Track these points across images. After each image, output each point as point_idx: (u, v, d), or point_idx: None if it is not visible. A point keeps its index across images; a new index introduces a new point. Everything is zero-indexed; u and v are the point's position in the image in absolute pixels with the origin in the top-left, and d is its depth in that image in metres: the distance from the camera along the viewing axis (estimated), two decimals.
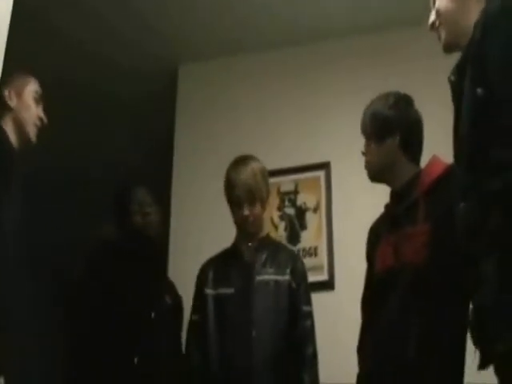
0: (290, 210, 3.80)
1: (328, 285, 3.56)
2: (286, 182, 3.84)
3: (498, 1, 1.70)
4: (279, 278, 2.83)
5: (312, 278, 3.29)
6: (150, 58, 4.33)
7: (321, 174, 3.80)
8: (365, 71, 3.89)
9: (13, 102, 2.56)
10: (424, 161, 2.43)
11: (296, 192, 3.83)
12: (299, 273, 2.88)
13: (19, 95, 2.57)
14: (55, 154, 4.84)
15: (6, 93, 2.56)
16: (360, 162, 2.49)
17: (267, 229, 3.42)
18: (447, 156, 1.94)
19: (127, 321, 3.05)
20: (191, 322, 2.90)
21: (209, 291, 2.86)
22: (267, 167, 3.05)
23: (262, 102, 4.11)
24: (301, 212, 3.78)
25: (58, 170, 5.05)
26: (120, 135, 4.89)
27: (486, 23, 1.69)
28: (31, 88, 2.62)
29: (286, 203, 3.82)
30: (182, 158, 4.17)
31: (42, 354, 4.39)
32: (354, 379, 2.38)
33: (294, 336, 2.77)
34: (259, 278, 2.81)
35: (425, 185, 2.31)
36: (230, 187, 2.89)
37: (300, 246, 3.69)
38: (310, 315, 2.83)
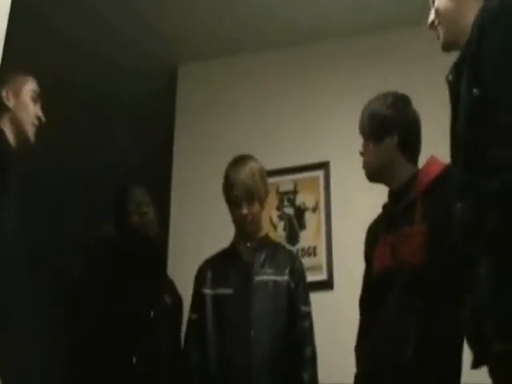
0: (289, 210, 3.81)
1: (327, 284, 3.56)
2: (285, 182, 3.84)
3: (496, 0, 1.71)
4: (278, 278, 2.83)
5: (311, 277, 3.30)
6: (149, 57, 4.33)
7: (320, 173, 3.80)
8: (364, 71, 3.90)
9: (10, 103, 2.56)
10: (422, 161, 2.43)
11: (295, 192, 3.83)
12: (298, 273, 2.88)
13: (17, 95, 2.57)
14: (55, 153, 4.85)
15: (4, 93, 2.57)
16: (359, 161, 2.49)
17: (266, 229, 3.42)
18: (445, 156, 1.94)
19: (126, 320, 3.05)
20: (190, 322, 2.90)
21: (207, 291, 2.86)
22: (266, 167, 3.06)
23: (261, 101, 4.11)
24: (300, 212, 3.78)
25: (58, 169, 5.06)
26: (120, 135, 4.89)
27: (483, 23, 1.69)
28: (29, 87, 2.62)
29: (285, 203, 3.82)
30: (182, 157, 4.18)
31: (42, 354, 4.39)
32: (352, 379, 2.38)
33: (292, 336, 2.78)
34: (258, 278, 2.82)
35: (422, 185, 2.31)
36: (228, 186, 2.89)
37: (299, 245, 3.69)
38: (308, 315, 2.83)
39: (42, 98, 2.67)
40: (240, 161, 2.94)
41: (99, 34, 4.13)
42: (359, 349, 2.40)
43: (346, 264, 3.51)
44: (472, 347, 1.61)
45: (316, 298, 3.06)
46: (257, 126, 4.06)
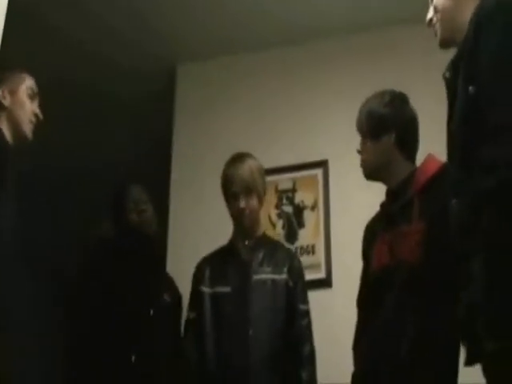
0: (288, 208, 3.81)
1: (325, 283, 3.56)
2: (284, 180, 3.84)
3: None
4: (276, 276, 2.83)
5: (309, 275, 3.30)
6: (148, 57, 4.33)
7: (318, 172, 3.80)
8: (362, 69, 3.89)
9: (7, 101, 2.56)
10: (420, 159, 2.43)
11: (294, 190, 3.83)
12: (296, 271, 2.88)
13: (13, 93, 2.57)
14: (54, 152, 4.85)
15: (0, 92, 2.57)
16: (358, 160, 2.49)
17: (265, 227, 3.42)
18: (443, 154, 1.94)
19: (125, 319, 3.05)
20: (188, 321, 2.90)
21: (205, 289, 2.86)
22: (265, 165, 3.07)
23: (260, 100, 4.11)
24: (298, 210, 3.78)
25: (57, 168, 5.05)
26: (119, 134, 4.89)
27: (480, 20, 1.70)
28: (26, 85, 2.62)
29: (284, 201, 3.82)
30: (181, 156, 4.18)
31: (42, 354, 4.40)
32: (350, 378, 2.38)
33: (291, 335, 2.78)
34: (256, 276, 2.81)
35: (420, 183, 2.31)
36: (226, 182, 2.90)
37: (298, 243, 3.69)
38: (306, 314, 2.83)
39: (39, 95, 2.67)
40: (238, 158, 2.95)
41: (98, 34, 4.13)
42: (357, 347, 2.40)
43: (345, 262, 3.51)
44: (465, 345, 1.61)
45: (314, 296, 3.07)
46: (255, 124, 4.06)
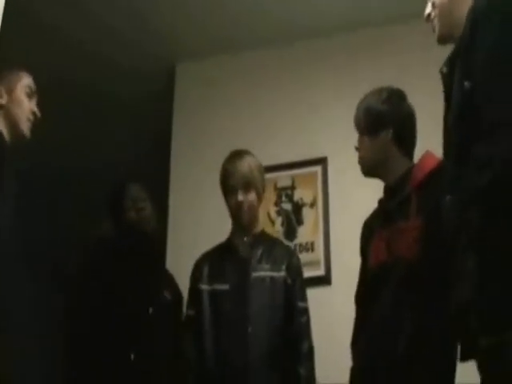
0: (287, 206, 3.80)
1: (325, 280, 3.56)
2: (283, 178, 3.84)
3: None
4: (275, 274, 2.83)
5: (309, 273, 3.30)
6: (147, 56, 4.34)
7: (318, 169, 3.80)
8: (360, 65, 3.90)
9: (4, 99, 2.55)
10: (417, 155, 2.43)
11: (293, 187, 3.83)
12: (295, 269, 2.88)
13: (11, 91, 2.57)
14: (54, 152, 4.86)
15: None
16: (357, 157, 2.49)
17: (264, 224, 3.43)
18: (440, 150, 1.94)
19: (124, 318, 3.05)
20: (186, 318, 2.90)
21: (204, 287, 2.86)
22: (264, 163, 3.07)
23: (258, 98, 4.11)
24: (298, 207, 3.78)
25: (57, 168, 5.06)
26: (118, 133, 4.89)
27: (476, 16, 1.69)
28: (23, 83, 2.61)
29: (283, 198, 3.82)
30: (180, 153, 4.18)
31: (42, 354, 4.40)
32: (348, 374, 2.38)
33: (289, 332, 2.78)
34: (255, 274, 2.81)
35: (417, 179, 2.31)
36: (225, 176, 2.91)
37: (297, 241, 3.69)
38: (305, 311, 2.83)
39: (38, 93, 2.67)
40: (237, 155, 2.96)
41: (98, 33, 4.14)
42: (355, 343, 2.40)
43: (344, 259, 3.50)
44: (459, 341, 1.61)
45: (314, 293, 3.07)
46: (254, 122, 4.06)
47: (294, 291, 2.83)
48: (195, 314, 2.84)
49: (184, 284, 3.10)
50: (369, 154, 2.41)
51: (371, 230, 2.43)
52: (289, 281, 2.83)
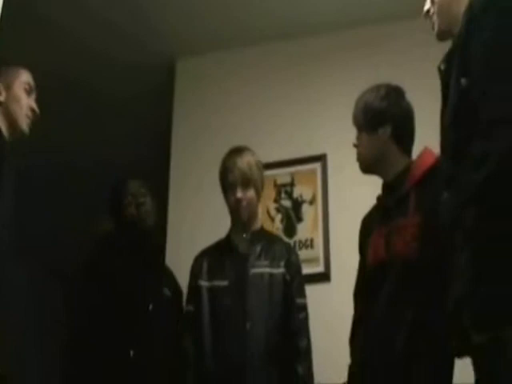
0: (287, 203, 3.80)
1: (324, 277, 3.55)
2: (283, 175, 3.83)
3: None
4: (273, 270, 2.83)
5: (308, 270, 3.31)
6: (147, 52, 4.33)
7: (317, 166, 3.79)
8: (358, 62, 3.88)
9: (2, 96, 2.55)
10: (416, 152, 2.43)
11: (292, 184, 3.82)
12: (293, 265, 2.89)
13: (9, 88, 2.56)
14: (53, 148, 4.86)
15: None
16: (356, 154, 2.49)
17: (263, 221, 3.43)
18: (438, 147, 1.94)
19: (124, 314, 3.06)
20: (185, 314, 2.91)
21: (203, 283, 2.87)
22: (264, 160, 3.08)
23: (258, 94, 4.10)
24: (297, 204, 3.77)
25: (56, 164, 5.06)
26: (118, 129, 4.88)
27: (472, 14, 1.69)
28: (22, 79, 2.61)
29: (283, 195, 3.81)
30: (180, 150, 4.18)
31: (41, 351, 4.41)
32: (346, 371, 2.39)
33: (288, 328, 2.78)
34: (254, 270, 2.82)
35: (416, 176, 2.31)
36: (225, 173, 2.92)
37: (296, 238, 3.68)
38: (304, 308, 2.84)
39: (37, 90, 2.67)
40: (237, 151, 2.96)
41: (97, 29, 4.13)
42: (353, 340, 2.40)
43: (343, 256, 3.49)
44: (454, 338, 1.61)
45: (313, 290, 3.07)
46: (254, 118, 4.05)
47: (292, 288, 2.83)
48: (194, 310, 2.85)
49: (183, 280, 3.10)
50: (367, 150, 2.41)
51: (370, 226, 2.43)
52: (288, 277, 2.84)
